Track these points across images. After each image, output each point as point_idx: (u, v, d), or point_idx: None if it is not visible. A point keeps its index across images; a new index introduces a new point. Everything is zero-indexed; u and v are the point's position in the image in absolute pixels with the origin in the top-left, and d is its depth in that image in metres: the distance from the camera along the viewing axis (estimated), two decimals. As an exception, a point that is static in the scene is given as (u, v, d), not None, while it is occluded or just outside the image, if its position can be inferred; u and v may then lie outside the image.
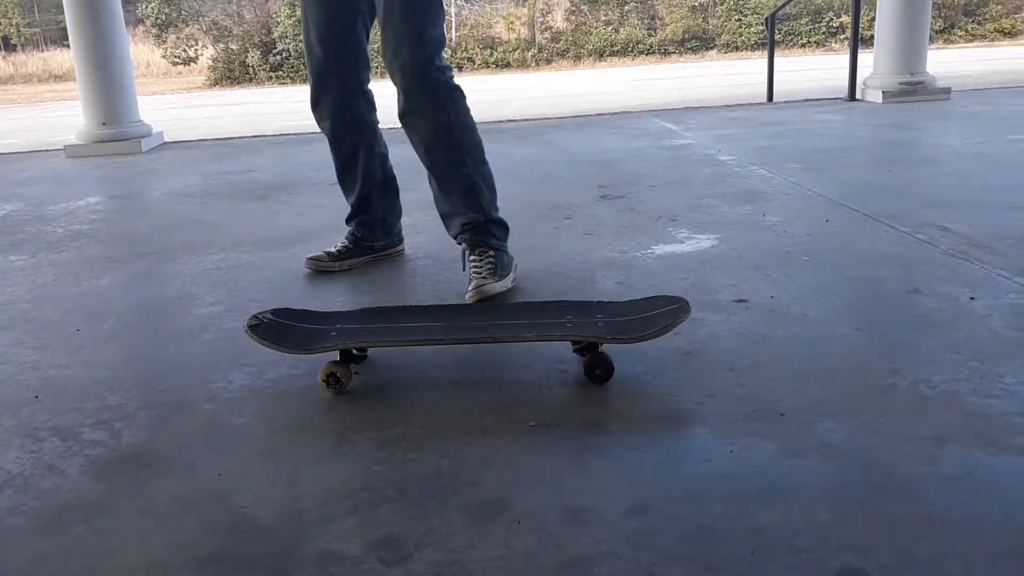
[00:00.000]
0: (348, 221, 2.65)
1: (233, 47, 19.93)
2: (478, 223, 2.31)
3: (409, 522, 1.27)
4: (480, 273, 2.21)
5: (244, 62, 19.47)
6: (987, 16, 21.56)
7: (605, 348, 1.71)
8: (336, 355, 1.75)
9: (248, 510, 1.34)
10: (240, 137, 6.34)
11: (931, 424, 1.46)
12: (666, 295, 1.92)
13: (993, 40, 20.84)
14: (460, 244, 2.35)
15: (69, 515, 1.36)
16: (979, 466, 1.32)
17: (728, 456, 1.40)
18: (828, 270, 2.33)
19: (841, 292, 2.16)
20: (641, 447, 1.45)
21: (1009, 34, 21.20)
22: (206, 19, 20.68)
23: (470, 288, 2.18)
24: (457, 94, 2.27)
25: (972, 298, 2.03)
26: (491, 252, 2.28)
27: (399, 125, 2.32)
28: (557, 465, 1.41)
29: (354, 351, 1.78)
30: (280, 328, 1.84)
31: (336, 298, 2.34)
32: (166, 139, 6.13)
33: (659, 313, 1.79)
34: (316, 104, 2.46)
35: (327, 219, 3.32)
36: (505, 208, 3.37)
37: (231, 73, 19.59)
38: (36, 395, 1.82)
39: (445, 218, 2.39)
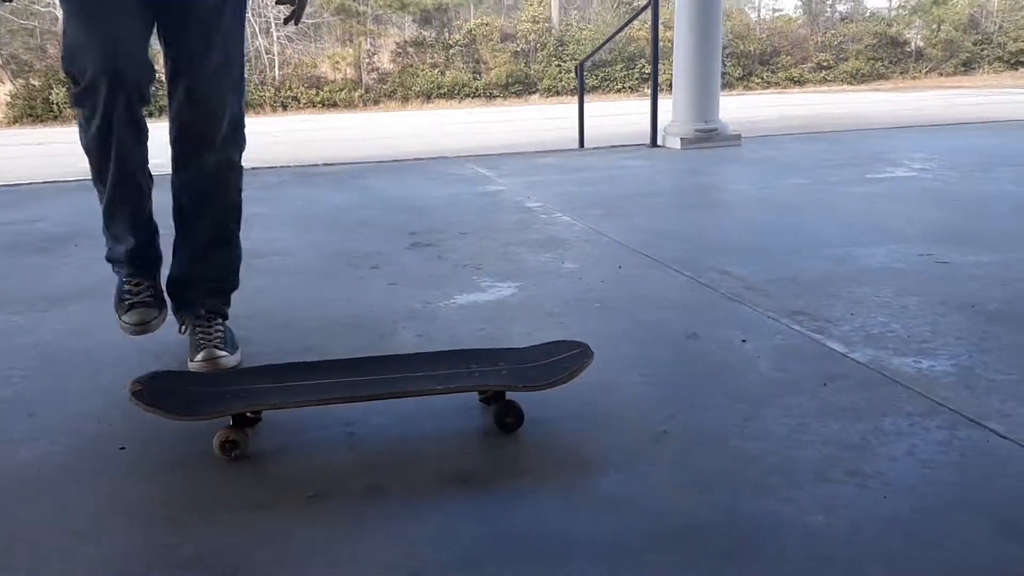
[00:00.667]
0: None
1: (35, 83, 18.60)
2: (225, 290, 2.20)
3: (162, 616, 1.18)
4: (211, 341, 2.07)
5: (47, 99, 18.19)
6: (779, 65, 23.69)
7: (513, 396, 1.70)
8: (229, 420, 1.64)
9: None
10: (31, 183, 5.87)
11: (697, 470, 1.53)
12: (567, 340, 1.92)
13: (784, 87, 22.91)
14: (189, 308, 2.16)
15: None
16: (737, 510, 1.39)
17: (506, 514, 1.40)
18: (618, 316, 2.42)
19: (629, 338, 2.24)
20: (420, 512, 1.43)
21: (798, 82, 23.38)
22: (3, 53, 19.19)
23: (199, 358, 2.03)
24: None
25: (744, 340, 2.17)
26: (224, 322, 2.17)
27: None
28: (334, 537, 1.36)
29: (248, 414, 1.66)
30: (165, 393, 1.69)
31: (117, 366, 2.17)
32: (-59, 184, 5.58)
33: (563, 359, 1.79)
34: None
35: (113, 275, 3.10)
36: (312, 256, 3.32)
37: (32, 110, 18.26)
38: None
39: (184, 280, 2.18)
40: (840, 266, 2.86)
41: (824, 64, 23.92)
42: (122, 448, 1.69)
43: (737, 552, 1.28)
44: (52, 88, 18.11)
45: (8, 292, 2.90)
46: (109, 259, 2.17)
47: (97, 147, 1.95)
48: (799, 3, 29.00)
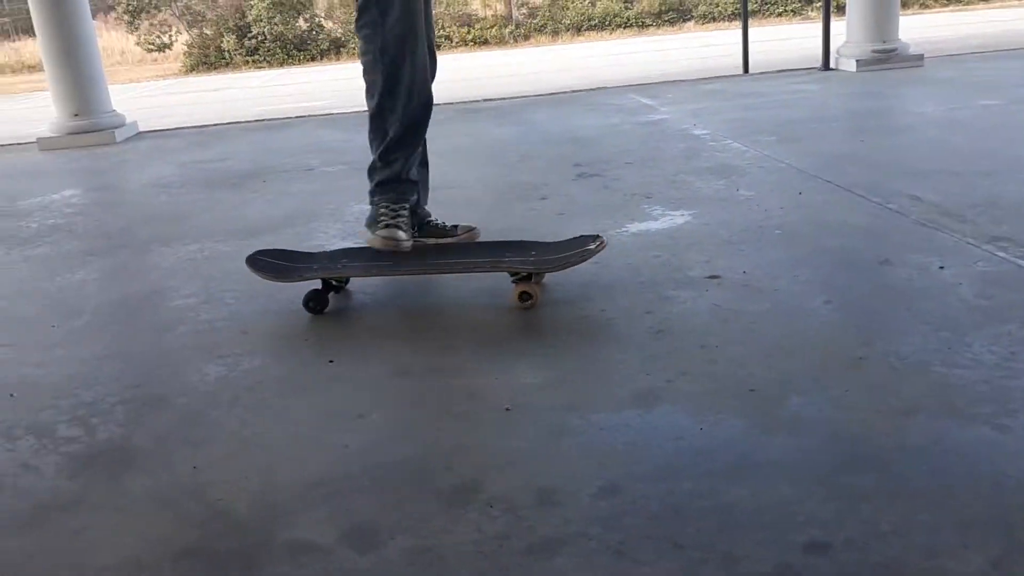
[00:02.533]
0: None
1: (207, 32, 19.66)
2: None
3: (383, 510, 1.28)
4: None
5: (219, 47, 19.21)
6: (963, -20, 21.56)
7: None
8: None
9: (223, 503, 1.35)
10: (215, 125, 6.28)
11: (899, 396, 1.48)
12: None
13: (967, 4, 20.86)
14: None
15: (45, 513, 1.36)
16: (945, 437, 1.34)
17: (698, 434, 1.42)
18: (800, 243, 2.35)
19: (813, 265, 2.17)
20: (612, 427, 1.46)
21: (985, -3, 21.21)
22: (179, 4, 20.39)
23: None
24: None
25: (942, 267, 2.05)
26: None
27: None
28: (529, 448, 1.42)
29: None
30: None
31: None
32: (140, 128, 6.07)
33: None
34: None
35: (299, 207, 3.30)
36: (479, 189, 3.39)
37: (207, 59, 19.33)
38: (11, 393, 1.81)
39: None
40: (1046, 190, 2.63)
41: (1016, -26, 21.58)
42: (331, 361, 1.82)
43: (947, 476, 1.24)
44: (223, 36, 19.10)
45: (210, 223, 3.15)
46: (385, 181, 2.25)
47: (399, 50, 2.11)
48: (988, -94, 26.26)
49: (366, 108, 2.23)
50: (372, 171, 2.27)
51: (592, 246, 2.09)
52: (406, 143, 2.22)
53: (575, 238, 2.20)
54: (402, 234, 2.16)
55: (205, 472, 1.44)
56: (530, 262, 2.09)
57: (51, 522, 1.34)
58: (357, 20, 2.15)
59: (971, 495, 1.19)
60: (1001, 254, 2.10)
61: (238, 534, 1.27)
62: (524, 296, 2.01)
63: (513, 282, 2.08)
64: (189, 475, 1.44)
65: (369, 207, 2.27)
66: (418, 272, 2.22)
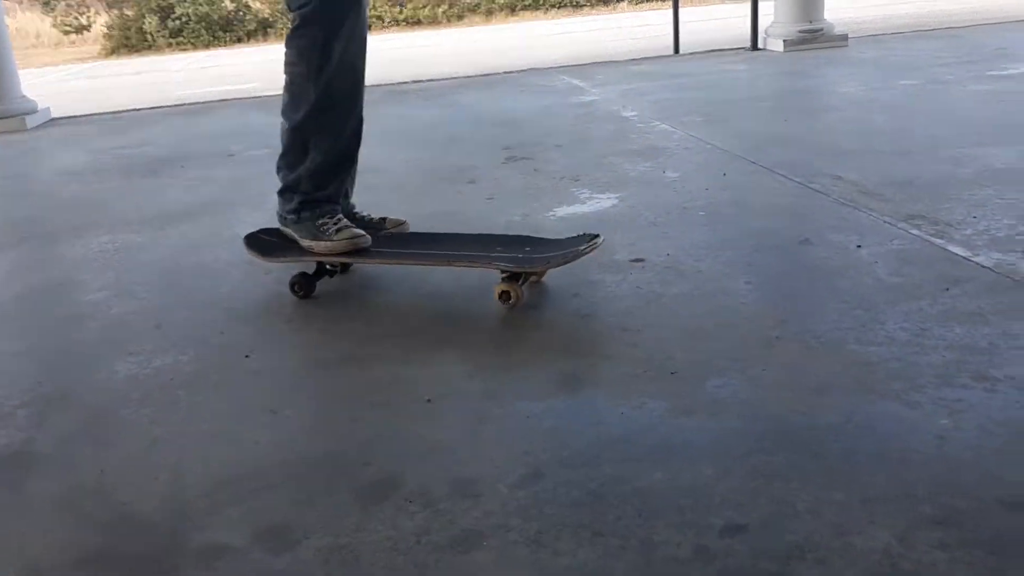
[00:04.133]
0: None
1: (128, 13, 18.99)
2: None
3: (297, 508, 1.25)
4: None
5: (141, 28, 18.56)
6: (886, -39, 22.06)
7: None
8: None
9: (130, 506, 1.29)
10: (133, 110, 6.05)
11: (814, 375, 1.50)
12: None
13: (892, -15, 21.36)
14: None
15: (-64, 525, 1.29)
16: (856, 413, 1.36)
17: (619, 418, 1.41)
18: (724, 224, 2.36)
19: (735, 246, 2.19)
20: (534, 414, 1.45)
21: (907, -21, 21.76)
22: (97, -17, 19.62)
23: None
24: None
25: (859, 246, 2.09)
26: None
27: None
28: (449, 439, 1.40)
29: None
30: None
31: (231, 272, 2.26)
32: (54, 115, 5.81)
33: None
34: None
35: (219, 193, 3.21)
36: (407, 172, 3.33)
37: (128, 40, 18.67)
38: (-97, 398, 1.71)
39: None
40: (959, 168, 2.70)
41: (935, -44, 22.19)
42: (247, 356, 1.76)
43: (858, 453, 1.25)
44: (145, 17, 18.48)
45: (126, 212, 3.03)
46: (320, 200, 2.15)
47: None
48: None
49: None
50: (295, 190, 2.14)
51: (583, 247, 1.95)
52: (342, 169, 2.19)
53: (574, 236, 2.08)
54: (359, 230, 2.10)
55: (112, 474, 1.38)
56: (520, 260, 1.97)
57: (-56, 533, 1.27)
58: (294, 29, 2.06)
59: (879, 471, 1.21)
60: (915, 231, 2.15)
61: (146, 537, 1.22)
62: (505, 296, 1.88)
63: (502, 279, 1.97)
64: (95, 477, 1.38)
65: (292, 223, 2.15)
66: (405, 262, 2.12)
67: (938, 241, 2.08)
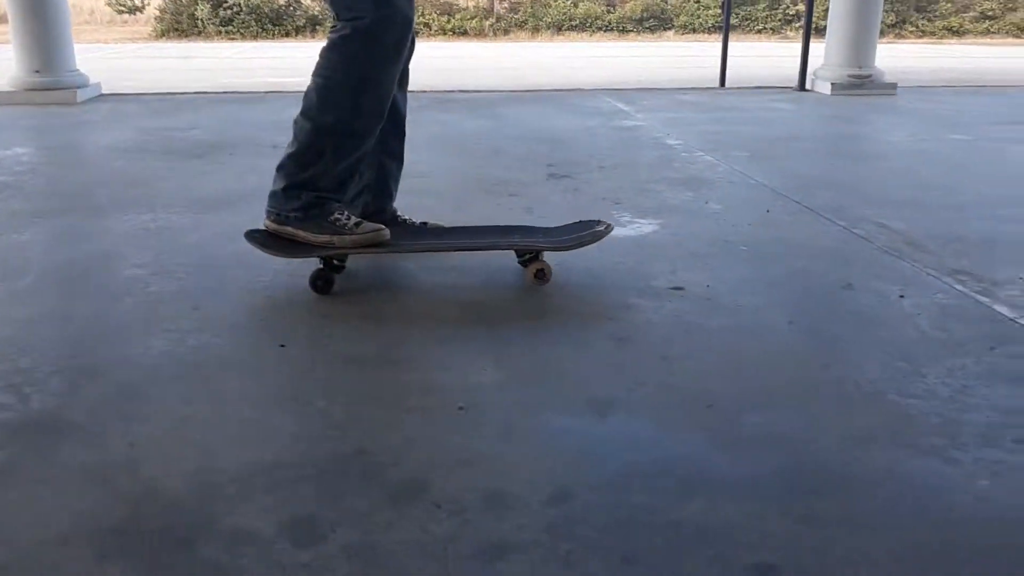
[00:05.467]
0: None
1: (182, -2, 19.25)
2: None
3: (325, 502, 1.24)
4: None
5: (193, 14, 18.83)
6: (937, 13, 21.99)
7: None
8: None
9: (158, 481, 1.29)
10: (182, 93, 6.13)
11: (854, 422, 1.48)
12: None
13: (942, 37, 21.27)
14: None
15: (-34, 483, 1.29)
16: (897, 466, 1.34)
17: (654, 446, 1.40)
18: (766, 261, 2.34)
19: (777, 284, 2.17)
20: (566, 433, 1.44)
21: (957, 32, 21.66)
22: (154, -34, 19.92)
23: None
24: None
25: (902, 296, 2.06)
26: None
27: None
28: (480, 448, 1.39)
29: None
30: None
31: (270, 262, 2.27)
32: (104, 91, 5.90)
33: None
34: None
35: (262, 183, 3.21)
36: (449, 180, 3.34)
37: (179, 25, 18.94)
38: (-59, 353, 1.73)
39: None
40: (1006, 227, 2.67)
41: (989, 14, 22.05)
42: (282, 345, 1.77)
43: (896, 506, 1.23)
44: (198, 4, 18.74)
45: (169, 193, 3.06)
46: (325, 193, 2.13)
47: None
48: (966, -54, 26.82)
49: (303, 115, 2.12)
50: (305, 187, 2.10)
51: (600, 228, 2.18)
52: (358, 172, 2.19)
53: (577, 222, 2.29)
54: (376, 224, 2.11)
55: (141, 448, 1.38)
56: (542, 241, 2.14)
57: (-27, 491, 1.27)
58: (342, 38, 2.04)
59: (918, 526, 1.19)
60: (960, 287, 2.12)
61: (172, 515, 1.22)
62: (540, 273, 2.09)
63: (522, 263, 2.16)
64: (124, 450, 1.38)
65: (296, 221, 2.11)
66: (427, 249, 2.24)
67: (983, 299, 2.05)
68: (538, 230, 2.29)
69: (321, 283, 2.05)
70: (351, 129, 2.09)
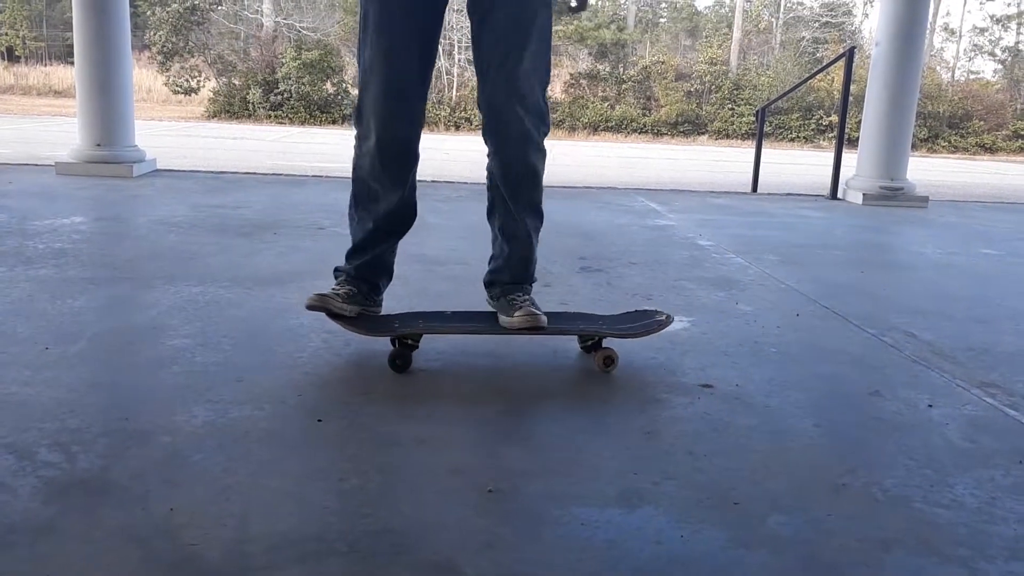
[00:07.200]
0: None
1: (236, 82, 20.13)
2: None
3: (356, 577, 1.27)
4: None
5: (245, 98, 19.64)
6: (970, 130, 22.29)
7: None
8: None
9: (195, 548, 1.33)
10: (232, 172, 6.38)
11: (879, 527, 1.49)
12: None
13: (974, 154, 21.50)
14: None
15: (14, 536, 1.34)
16: (923, 573, 1.35)
17: (679, 540, 1.42)
18: (795, 364, 2.38)
19: (805, 387, 2.20)
20: (593, 523, 1.46)
21: (990, 149, 21.90)
22: (212, 52, 20.92)
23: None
24: None
25: (930, 405, 2.08)
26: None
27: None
28: (508, 533, 1.42)
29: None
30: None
31: (312, 339, 2.35)
32: (158, 166, 6.16)
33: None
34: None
35: (307, 263, 3.34)
36: (485, 268, 3.42)
37: (231, 107, 19.74)
38: (-5, 410, 1.80)
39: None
40: (1038, 343, 2.68)
41: (1022, 132, 22.32)
42: (319, 420, 1.82)
43: (922, 616, 1.24)
44: (250, 88, 19.55)
45: (217, 269, 3.17)
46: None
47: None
48: (999, 67, 27.33)
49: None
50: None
51: (662, 318, 2.35)
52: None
53: (636, 311, 2.49)
54: (535, 309, 2.25)
55: (181, 514, 1.43)
56: (605, 329, 2.29)
57: (18, 546, 1.32)
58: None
59: (944, 637, 1.19)
60: (989, 400, 2.14)
61: (206, 582, 1.25)
62: (608, 360, 2.20)
63: (585, 349, 2.31)
64: (164, 515, 1.43)
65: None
66: (492, 333, 2.31)
67: (1013, 412, 2.06)
68: (599, 318, 2.41)
69: (400, 361, 2.16)
70: (355, 193, 2.58)
